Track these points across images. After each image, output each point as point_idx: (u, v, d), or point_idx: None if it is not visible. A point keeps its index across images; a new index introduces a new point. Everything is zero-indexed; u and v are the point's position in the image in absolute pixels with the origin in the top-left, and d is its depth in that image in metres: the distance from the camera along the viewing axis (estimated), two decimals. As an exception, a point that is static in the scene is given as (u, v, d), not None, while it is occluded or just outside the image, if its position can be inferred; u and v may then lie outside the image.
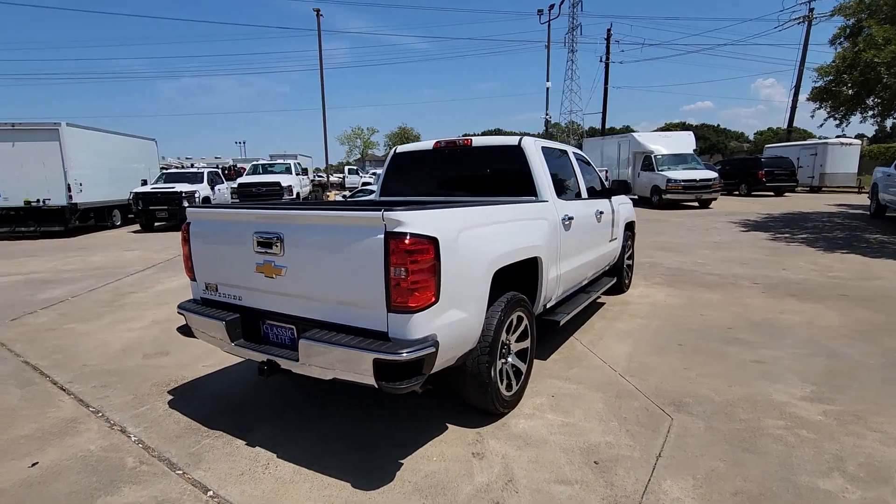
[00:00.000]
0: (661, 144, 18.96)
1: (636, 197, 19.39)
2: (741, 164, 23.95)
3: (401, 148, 4.56)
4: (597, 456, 2.62)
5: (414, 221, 2.26)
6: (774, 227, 11.75)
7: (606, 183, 5.47)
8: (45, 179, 13.43)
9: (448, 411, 3.12)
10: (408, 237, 2.22)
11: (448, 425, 2.97)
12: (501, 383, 2.99)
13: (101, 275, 7.93)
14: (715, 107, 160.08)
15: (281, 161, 18.57)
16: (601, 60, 33.72)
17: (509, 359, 3.16)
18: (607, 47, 33.30)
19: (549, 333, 4.47)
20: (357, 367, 2.27)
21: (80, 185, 13.93)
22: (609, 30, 33.63)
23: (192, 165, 18.54)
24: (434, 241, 2.30)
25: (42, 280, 7.67)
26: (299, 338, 2.46)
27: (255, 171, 17.27)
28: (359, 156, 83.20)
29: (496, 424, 2.97)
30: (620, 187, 5.36)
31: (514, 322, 3.12)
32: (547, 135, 33.43)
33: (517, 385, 3.18)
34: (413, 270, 2.23)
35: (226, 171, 20.24)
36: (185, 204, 14.73)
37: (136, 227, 15.20)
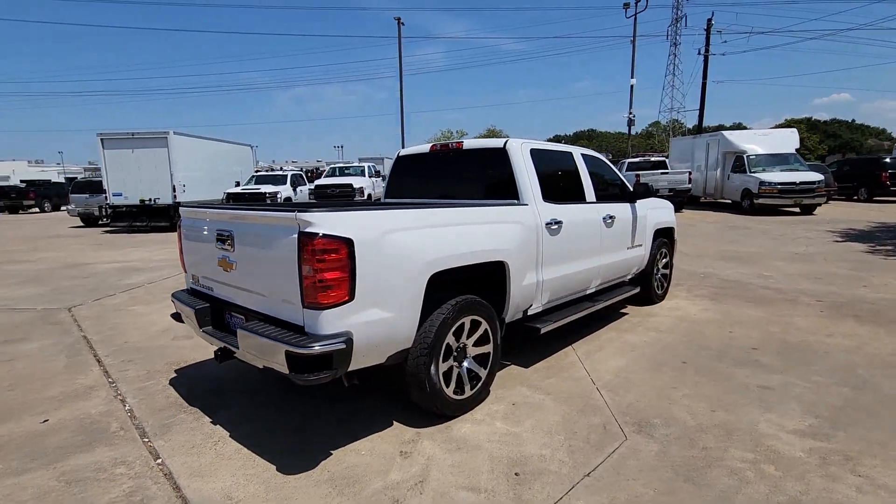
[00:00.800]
0: (757, 143, 17.17)
1: (729, 200, 17.80)
2: (862, 165, 20.92)
3: (403, 151, 4.68)
4: (521, 468, 2.54)
5: (325, 222, 2.37)
6: (879, 239, 10.17)
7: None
8: (156, 181, 15.41)
9: (402, 410, 3.18)
10: (318, 237, 2.33)
11: (395, 422, 3.04)
12: (447, 386, 2.99)
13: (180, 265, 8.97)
14: (854, 99, 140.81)
15: (357, 164, 19.65)
16: (699, 53, 31.24)
17: (465, 363, 3.15)
18: (707, 38, 30.75)
19: (543, 341, 4.34)
20: (276, 358, 2.43)
21: (184, 186, 15.79)
22: (710, 20, 31.05)
23: (280, 168, 20.23)
24: (348, 242, 2.39)
25: (133, 268, 8.87)
26: (238, 327, 2.68)
27: (332, 173, 18.42)
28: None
29: (440, 426, 2.98)
30: (645, 191, 5.03)
31: (468, 326, 3.10)
32: (630, 136, 31.67)
33: (472, 389, 3.16)
34: (322, 269, 2.34)
35: (310, 174, 21.87)
36: (269, 202, 16.11)
37: (229, 223, 16.87)
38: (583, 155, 4.58)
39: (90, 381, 3.78)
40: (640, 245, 5.21)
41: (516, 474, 2.49)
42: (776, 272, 7.27)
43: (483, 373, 3.25)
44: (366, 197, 16.70)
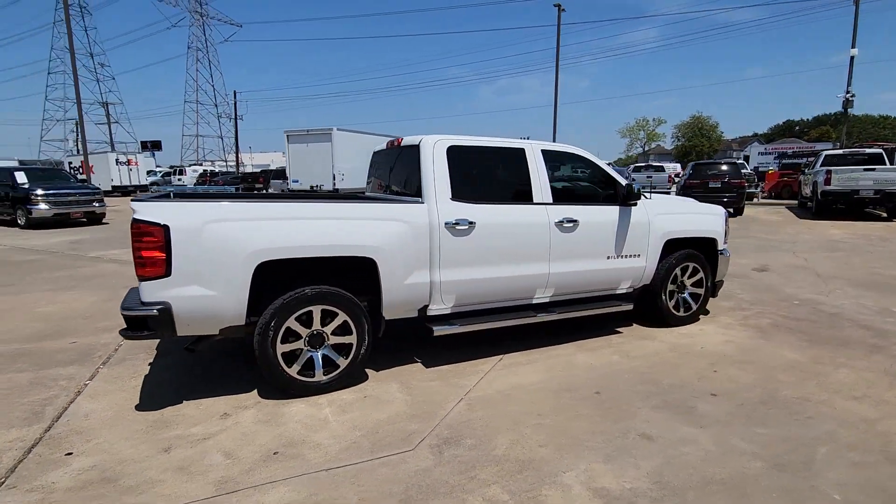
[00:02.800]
0: None
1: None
2: None
3: (375, 147, 4.93)
4: (287, 450, 2.71)
5: (145, 211, 2.89)
6: None
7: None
8: (322, 171, 18.22)
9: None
10: (138, 222, 2.87)
11: (255, 391, 3.44)
12: (289, 366, 3.26)
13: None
14: None
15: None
16: None
17: (322, 350, 3.37)
18: None
19: (475, 345, 4.20)
20: (126, 317, 3.07)
21: (342, 175, 18.31)
22: None
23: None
24: (163, 228, 2.87)
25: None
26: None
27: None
28: (641, 150, 78.39)
29: (280, 401, 3.27)
30: (629, 193, 4.34)
31: (319, 315, 3.30)
32: (846, 118, 24.79)
33: (325, 375, 3.36)
34: (140, 248, 2.87)
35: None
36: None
37: (377, 209, 18.98)
38: (543, 151, 4.18)
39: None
40: (637, 255, 4.49)
41: (275, 453, 2.68)
42: (920, 310, 5.32)
43: (343, 362, 3.41)
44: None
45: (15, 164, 39.14)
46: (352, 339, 3.42)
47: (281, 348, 3.22)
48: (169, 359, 4.05)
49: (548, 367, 3.87)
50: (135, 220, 2.88)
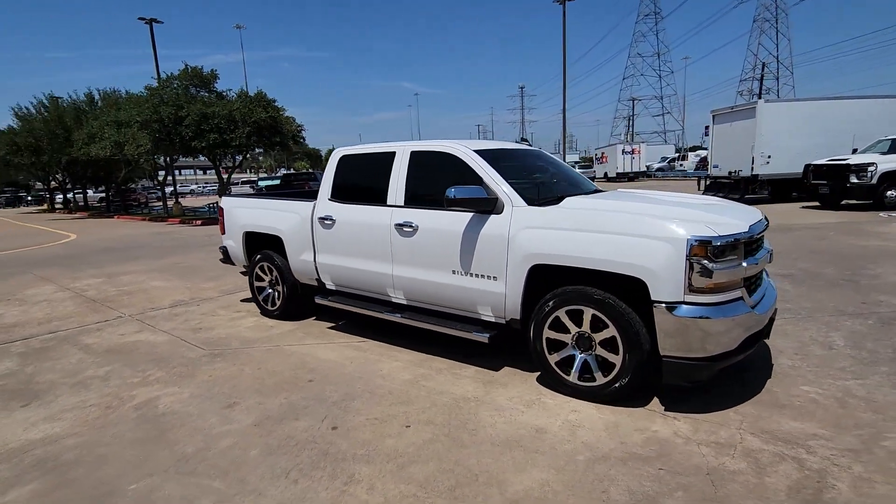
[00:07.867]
0: None
1: None
2: None
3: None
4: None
5: (222, 201, 5.85)
6: None
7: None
8: (742, 153, 15.50)
9: (283, 306, 5.85)
10: (218, 206, 5.88)
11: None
12: (259, 295, 5.52)
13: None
14: None
15: None
16: None
17: (274, 289, 5.41)
18: None
19: (381, 327, 4.84)
20: (236, 252, 6.25)
21: (768, 157, 14.91)
22: None
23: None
24: (222, 209, 5.77)
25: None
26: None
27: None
28: None
29: (269, 320, 5.59)
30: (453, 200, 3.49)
31: (266, 268, 5.33)
32: None
33: (272, 307, 5.39)
34: (219, 218, 5.89)
35: None
36: (854, 180, 12.48)
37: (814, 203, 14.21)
38: (414, 153, 4.10)
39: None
40: (492, 277, 3.53)
41: (200, 328, 5.15)
42: None
43: (277, 301, 5.31)
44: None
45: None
46: (280, 288, 5.24)
47: (257, 284, 5.53)
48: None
49: (356, 357, 4.15)
50: (218, 206, 5.94)
